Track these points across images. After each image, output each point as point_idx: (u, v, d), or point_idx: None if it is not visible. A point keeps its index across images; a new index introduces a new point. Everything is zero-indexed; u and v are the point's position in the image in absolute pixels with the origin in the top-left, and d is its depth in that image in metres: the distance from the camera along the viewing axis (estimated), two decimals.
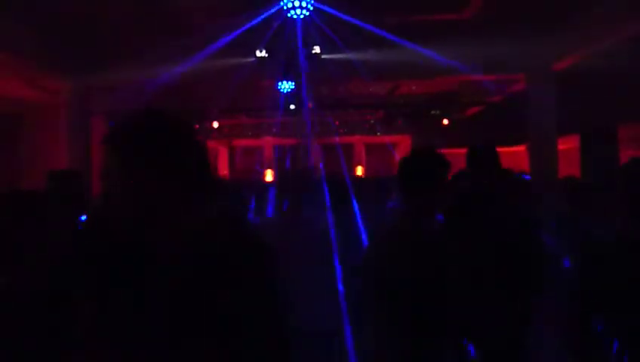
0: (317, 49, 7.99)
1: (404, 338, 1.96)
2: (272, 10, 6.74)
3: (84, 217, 3.50)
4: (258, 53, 8.16)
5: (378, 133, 18.05)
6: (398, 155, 20.12)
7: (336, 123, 17.20)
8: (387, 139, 18.69)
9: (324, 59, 8.13)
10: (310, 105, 12.32)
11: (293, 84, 8.93)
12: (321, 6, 6.57)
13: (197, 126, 15.19)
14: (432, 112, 13.56)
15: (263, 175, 18.24)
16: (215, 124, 14.81)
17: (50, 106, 9.47)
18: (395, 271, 2.02)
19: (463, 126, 13.89)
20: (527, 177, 4.63)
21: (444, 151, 2.64)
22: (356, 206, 3.99)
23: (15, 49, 7.19)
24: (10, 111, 9.72)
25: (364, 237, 3.51)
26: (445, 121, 13.83)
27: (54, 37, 7.47)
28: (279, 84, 8.95)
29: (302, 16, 6.16)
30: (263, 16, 7.02)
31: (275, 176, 16.14)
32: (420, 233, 2.13)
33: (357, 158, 19.83)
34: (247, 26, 7.27)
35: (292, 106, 11.40)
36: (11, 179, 8.51)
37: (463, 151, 2.86)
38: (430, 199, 2.17)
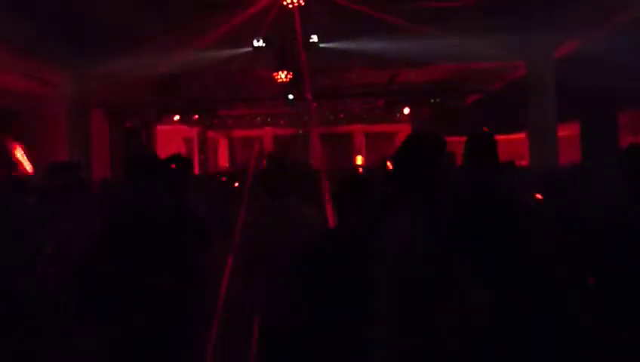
0: (314, 38, 7.94)
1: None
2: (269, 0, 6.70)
3: None
4: (255, 43, 8.12)
5: (378, 122, 18.02)
6: (398, 144, 20.09)
7: (337, 113, 17.15)
8: (387, 127, 18.67)
9: (322, 47, 8.09)
10: (309, 94, 12.28)
11: (291, 73, 8.88)
12: None
13: (196, 116, 15.16)
14: (432, 100, 13.50)
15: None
16: (214, 115, 14.78)
17: (50, 99, 9.44)
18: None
19: (463, 114, 13.86)
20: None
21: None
22: None
23: (14, 41, 7.16)
24: (10, 103, 9.69)
25: None
26: (445, 109, 13.78)
27: (54, 29, 7.42)
28: (277, 73, 8.91)
29: (298, 5, 6.13)
30: (259, 6, 6.98)
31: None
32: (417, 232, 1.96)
33: (357, 148, 19.83)
34: (245, 16, 7.23)
35: (290, 96, 11.35)
36: (11, 171, 8.50)
37: (464, 139, 2.83)
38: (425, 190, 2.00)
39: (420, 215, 1.99)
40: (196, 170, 15.03)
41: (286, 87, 10.19)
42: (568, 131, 10.57)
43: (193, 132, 17.55)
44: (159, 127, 14.98)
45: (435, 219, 1.98)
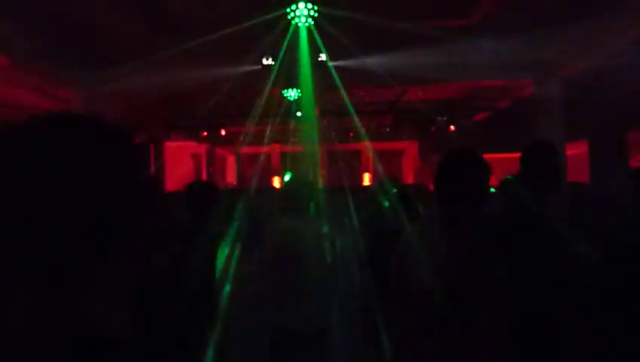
0: (323, 56, 8.00)
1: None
2: (278, 18, 6.77)
3: None
4: (264, 61, 8.19)
5: (385, 140, 18.03)
6: (405, 162, 20.06)
7: (345, 131, 17.18)
8: (394, 145, 18.67)
9: (330, 65, 8.14)
10: (317, 112, 12.33)
11: (300, 91, 8.94)
12: (327, 13, 6.60)
13: (205, 134, 15.26)
14: (440, 118, 13.52)
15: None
16: (222, 132, 14.88)
17: None
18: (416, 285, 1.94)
19: (470, 132, 13.84)
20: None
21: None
22: None
23: (26, 57, 7.27)
24: (21, 118, 9.80)
25: None
26: (452, 127, 13.80)
27: (66, 46, 7.55)
28: (285, 91, 8.97)
29: (307, 24, 6.19)
30: (268, 25, 7.06)
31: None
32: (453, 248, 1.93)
33: (364, 165, 19.82)
34: (253, 34, 7.30)
35: (299, 113, 11.41)
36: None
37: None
38: (467, 209, 1.95)
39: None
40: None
41: (294, 104, 10.26)
42: (577, 150, 10.52)
43: (201, 148, 17.66)
44: (168, 144, 15.09)
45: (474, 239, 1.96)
